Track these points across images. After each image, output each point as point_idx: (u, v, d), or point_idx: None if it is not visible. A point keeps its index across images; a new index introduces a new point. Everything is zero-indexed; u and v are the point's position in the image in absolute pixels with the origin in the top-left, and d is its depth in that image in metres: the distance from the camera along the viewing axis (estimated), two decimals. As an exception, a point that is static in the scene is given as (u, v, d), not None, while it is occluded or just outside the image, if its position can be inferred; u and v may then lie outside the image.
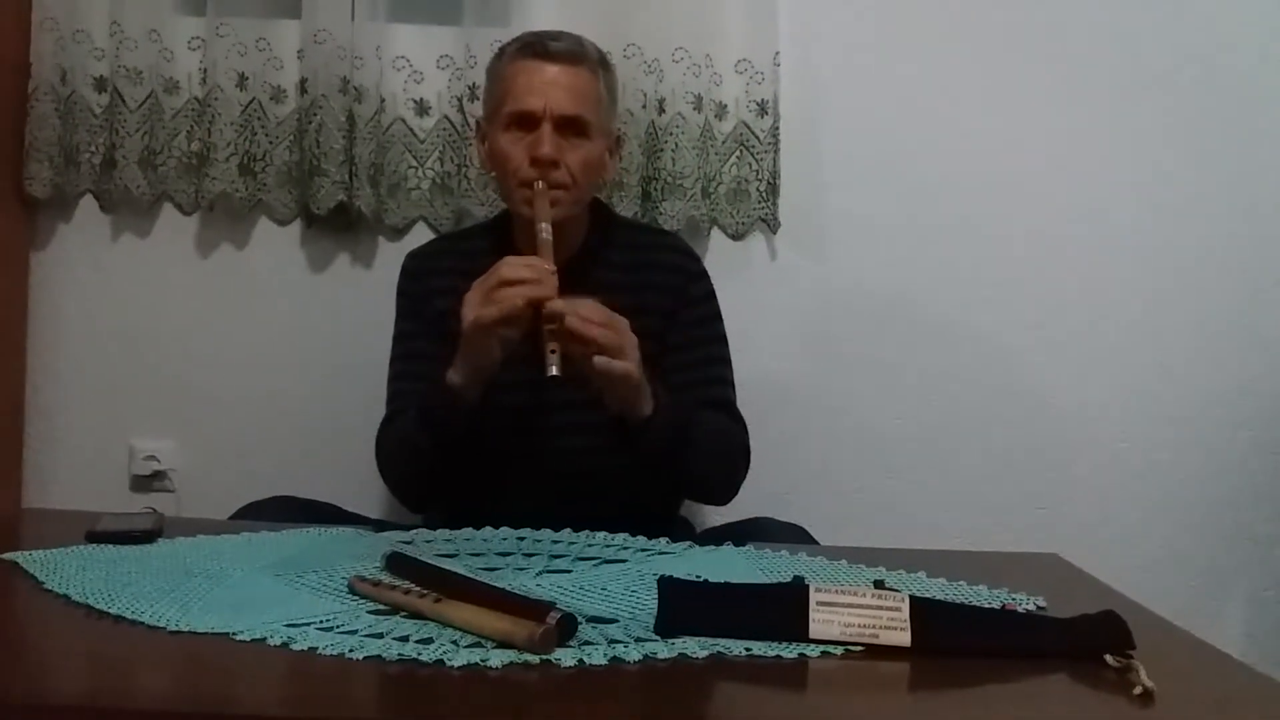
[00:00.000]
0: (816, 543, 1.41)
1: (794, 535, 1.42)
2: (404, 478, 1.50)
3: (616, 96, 1.59)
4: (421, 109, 1.94)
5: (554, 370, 1.24)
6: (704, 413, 1.47)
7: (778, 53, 1.91)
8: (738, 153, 1.93)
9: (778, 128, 1.92)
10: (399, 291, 1.60)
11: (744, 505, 1.54)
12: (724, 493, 1.53)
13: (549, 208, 1.41)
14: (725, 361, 1.56)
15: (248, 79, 1.92)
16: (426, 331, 1.52)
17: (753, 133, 1.92)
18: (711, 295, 1.59)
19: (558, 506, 1.32)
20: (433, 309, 1.52)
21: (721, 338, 1.57)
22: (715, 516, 1.66)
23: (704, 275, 1.60)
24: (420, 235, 1.96)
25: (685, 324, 1.53)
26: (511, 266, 1.29)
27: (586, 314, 1.26)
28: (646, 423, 1.35)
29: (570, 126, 1.45)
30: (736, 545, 1.25)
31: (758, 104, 1.91)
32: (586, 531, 1.27)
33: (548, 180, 1.42)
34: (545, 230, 1.37)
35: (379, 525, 1.42)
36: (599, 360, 1.25)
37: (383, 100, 1.91)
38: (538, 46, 1.47)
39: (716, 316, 1.58)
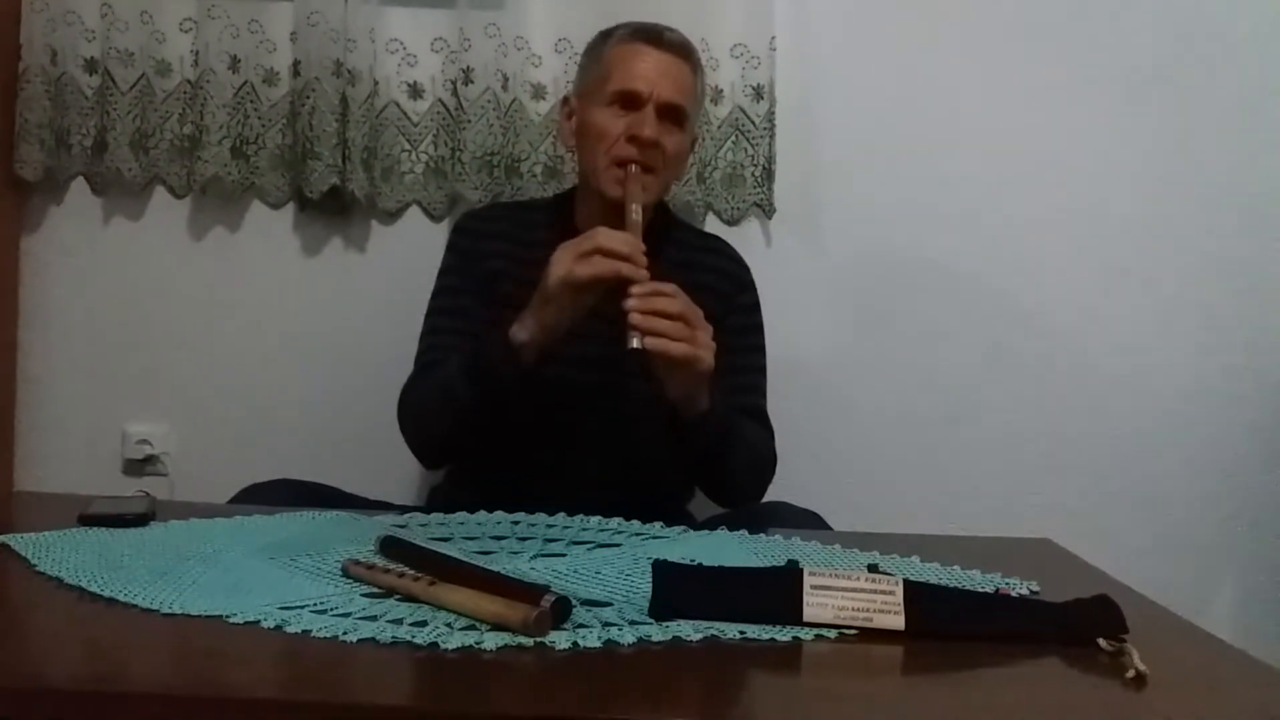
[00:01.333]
0: (830, 529, 1.41)
1: (809, 521, 1.43)
2: (432, 428, 1.48)
3: (704, 99, 1.63)
4: (415, 92, 1.93)
5: (635, 342, 1.25)
6: (746, 420, 1.49)
7: (774, 37, 1.91)
8: (733, 137, 1.92)
9: (773, 112, 1.92)
10: (450, 246, 1.61)
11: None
12: (749, 498, 1.54)
13: (641, 191, 1.44)
14: (762, 371, 1.60)
15: (240, 61, 1.90)
16: (474, 289, 1.54)
17: (748, 117, 1.91)
18: (757, 307, 1.63)
19: (579, 487, 1.33)
20: (484, 269, 1.54)
21: (761, 348, 1.61)
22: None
23: (752, 286, 1.63)
24: (414, 219, 1.96)
25: (729, 331, 1.52)
26: (608, 236, 1.31)
27: (664, 305, 1.27)
28: (700, 418, 1.36)
29: (670, 115, 1.49)
30: (750, 530, 1.25)
31: (753, 89, 1.91)
32: (581, 516, 1.27)
33: (643, 161, 1.46)
34: (636, 211, 1.41)
35: (378, 508, 1.42)
36: (650, 341, 1.26)
37: (376, 83, 1.90)
38: (652, 33, 1.52)
39: (759, 328, 1.62)
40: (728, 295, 1.57)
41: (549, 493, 1.32)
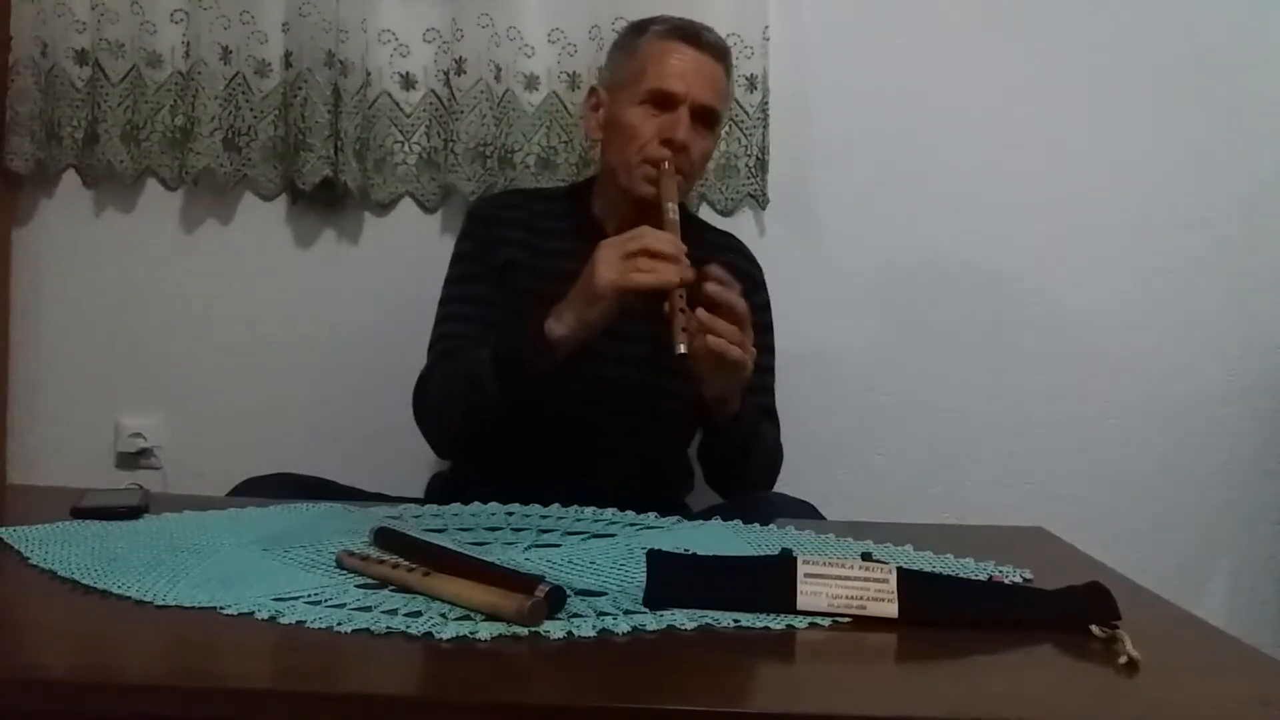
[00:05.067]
0: (824, 519, 1.41)
1: (802, 511, 1.42)
2: (452, 418, 1.45)
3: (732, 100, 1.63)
4: (408, 83, 1.93)
5: (682, 348, 1.25)
6: (764, 420, 1.51)
7: (767, 27, 1.90)
8: (727, 128, 1.91)
9: (767, 103, 1.91)
10: (464, 234, 1.60)
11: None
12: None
13: (675, 190, 1.42)
14: (772, 370, 1.61)
15: (231, 52, 1.90)
16: (490, 277, 1.52)
17: (742, 108, 1.91)
18: (768, 306, 1.63)
19: (586, 482, 1.31)
20: (500, 257, 1.52)
21: (772, 348, 1.61)
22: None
23: (764, 285, 1.63)
24: (407, 210, 1.95)
25: None
26: (658, 239, 1.30)
27: (727, 303, 1.29)
28: (732, 419, 1.37)
29: (703, 117, 1.48)
30: (744, 519, 1.25)
31: (747, 79, 1.90)
32: (575, 506, 1.27)
33: (674, 163, 1.44)
34: (673, 210, 1.39)
35: (375, 500, 1.42)
36: (713, 340, 1.26)
37: (368, 74, 1.90)
38: (689, 31, 1.49)
39: (770, 328, 1.62)
40: (744, 295, 1.57)
41: (554, 486, 1.30)
